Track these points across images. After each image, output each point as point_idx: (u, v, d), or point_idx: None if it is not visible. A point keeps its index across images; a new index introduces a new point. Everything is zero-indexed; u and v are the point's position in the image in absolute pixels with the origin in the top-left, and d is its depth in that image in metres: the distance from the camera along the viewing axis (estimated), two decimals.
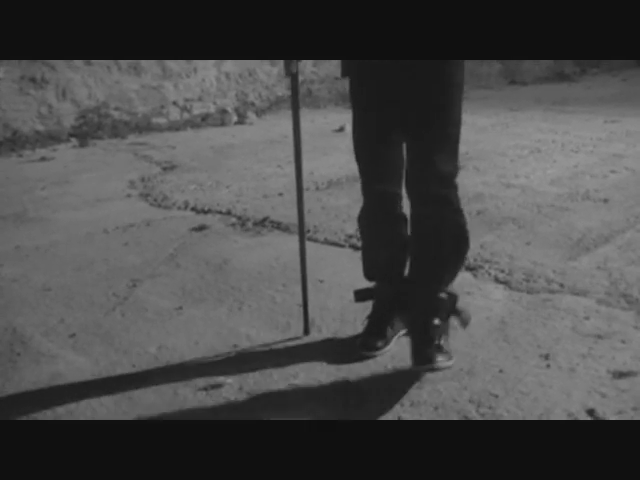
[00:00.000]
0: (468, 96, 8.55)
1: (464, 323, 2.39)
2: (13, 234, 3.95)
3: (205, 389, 2.25)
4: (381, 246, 2.51)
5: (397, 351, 2.43)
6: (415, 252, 2.40)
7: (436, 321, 2.28)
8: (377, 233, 2.52)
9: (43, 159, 6.02)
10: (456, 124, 2.25)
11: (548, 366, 2.30)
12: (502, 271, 3.08)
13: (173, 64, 7.37)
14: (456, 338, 2.51)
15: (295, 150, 2.46)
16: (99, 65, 7.02)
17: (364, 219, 2.54)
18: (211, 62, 7.64)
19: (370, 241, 2.57)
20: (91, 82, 7.01)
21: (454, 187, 2.29)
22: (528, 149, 5.63)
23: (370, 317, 2.54)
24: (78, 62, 6.92)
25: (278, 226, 3.85)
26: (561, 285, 2.92)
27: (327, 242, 3.56)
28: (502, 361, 2.35)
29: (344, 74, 2.36)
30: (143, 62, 7.21)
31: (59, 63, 6.80)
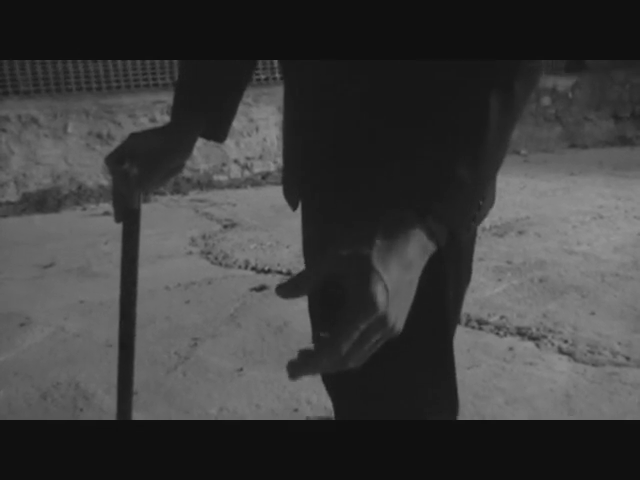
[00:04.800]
0: (528, 159, 8.54)
1: None
2: (77, 288, 4.02)
3: None
4: None
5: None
6: None
7: None
8: None
9: (106, 213, 6.13)
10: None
11: None
12: (566, 342, 3.03)
13: (235, 122, 7.47)
14: (519, 409, 2.48)
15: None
16: (163, 123, 7.16)
17: None
18: (272, 121, 7.76)
19: None
20: None
21: None
22: (590, 215, 5.57)
23: None
24: (143, 119, 7.09)
25: None
26: (627, 358, 2.86)
27: None
28: None
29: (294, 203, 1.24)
30: None
31: (125, 120, 6.98)
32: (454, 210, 0.85)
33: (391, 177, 0.92)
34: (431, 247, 0.84)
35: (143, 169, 1.19)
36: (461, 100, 0.87)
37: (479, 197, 0.90)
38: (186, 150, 1.29)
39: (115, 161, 1.18)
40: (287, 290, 0.81)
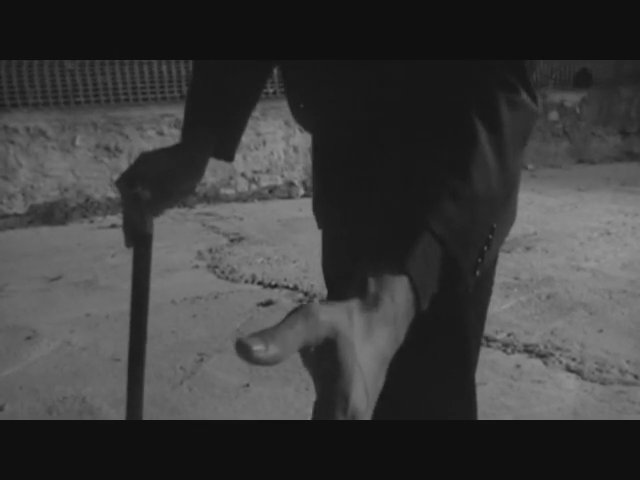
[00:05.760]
0: (536, 175, 8.54)
1: None
2: (84, 301, 4.02)
3: None
4: None
5: None
6: None
7: None
8: None
9: (113, 226, 6.14)
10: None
11: None
12: (574, 359, 3.02)
13: (242, 137, 7.50)
14: None
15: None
16: (171, 136, 7.20)
17: None
18: (280, 135, 7.77)
19: None
20: None
21: None
22: (598, 231, 5.55)
23: None
24: (151, 132, 7.11)
25: None
26: (635, 377, 2.84)
27: None
28: None
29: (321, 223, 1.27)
30: None
31: (133, 132, 7.00)
32: (453, 226, 0.74)
33: (388, 191, 0.87)
34: (402, 335, 0.68)
35: (155, 192, 1.13)
36: (445, 112, 0.83)
37: (484, 217, 0.80)
38: (198, 172, 1.24)
39: (126, 184, 1.13)
40: (252, 354, 0.56)
